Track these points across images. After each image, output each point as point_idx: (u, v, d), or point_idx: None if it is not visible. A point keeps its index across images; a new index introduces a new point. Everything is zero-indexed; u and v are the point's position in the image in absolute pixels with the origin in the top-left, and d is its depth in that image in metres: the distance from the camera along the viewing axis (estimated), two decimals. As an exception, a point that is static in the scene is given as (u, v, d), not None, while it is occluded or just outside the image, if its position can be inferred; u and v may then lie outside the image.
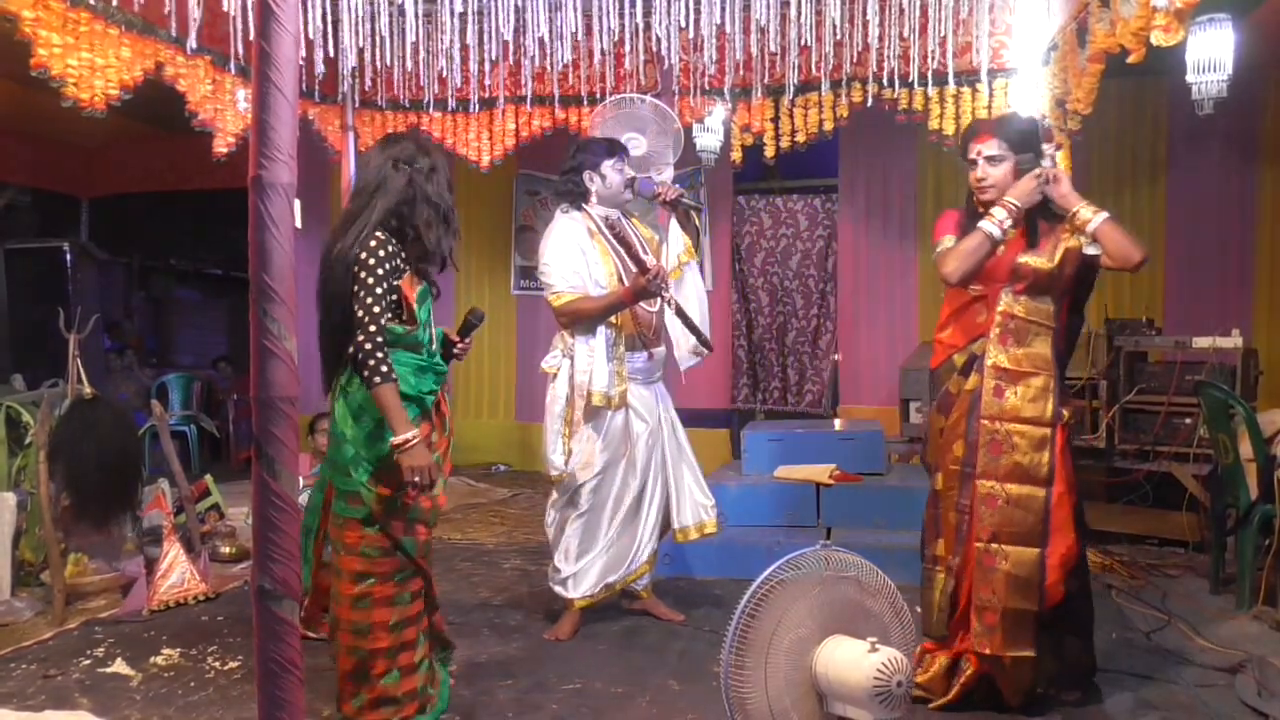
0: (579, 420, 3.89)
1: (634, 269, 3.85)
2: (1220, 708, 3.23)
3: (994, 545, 3.05)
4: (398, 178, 2.85)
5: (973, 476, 3.11)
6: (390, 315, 2.79)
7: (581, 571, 3.93)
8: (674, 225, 4.16)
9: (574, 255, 3.86)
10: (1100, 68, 4.23)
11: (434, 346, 2.97)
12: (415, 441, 2.71)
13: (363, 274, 2.72)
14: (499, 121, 6.24)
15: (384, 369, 2.68)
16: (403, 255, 2.83)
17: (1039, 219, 3.14)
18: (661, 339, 4.09)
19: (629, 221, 4.08)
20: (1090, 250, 3.02)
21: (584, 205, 3.98)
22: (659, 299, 3.93)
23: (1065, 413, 3.08)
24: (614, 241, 3.90)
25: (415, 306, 2.86)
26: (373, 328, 2.69)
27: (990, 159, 3.12)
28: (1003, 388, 3.07)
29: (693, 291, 4.18)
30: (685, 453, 4.15)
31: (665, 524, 4.13)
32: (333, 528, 2.88)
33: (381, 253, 2.75)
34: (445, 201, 2.92)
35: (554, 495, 4.03)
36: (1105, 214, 3.03)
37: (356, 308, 2.71)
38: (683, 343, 4.16)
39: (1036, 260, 3.09)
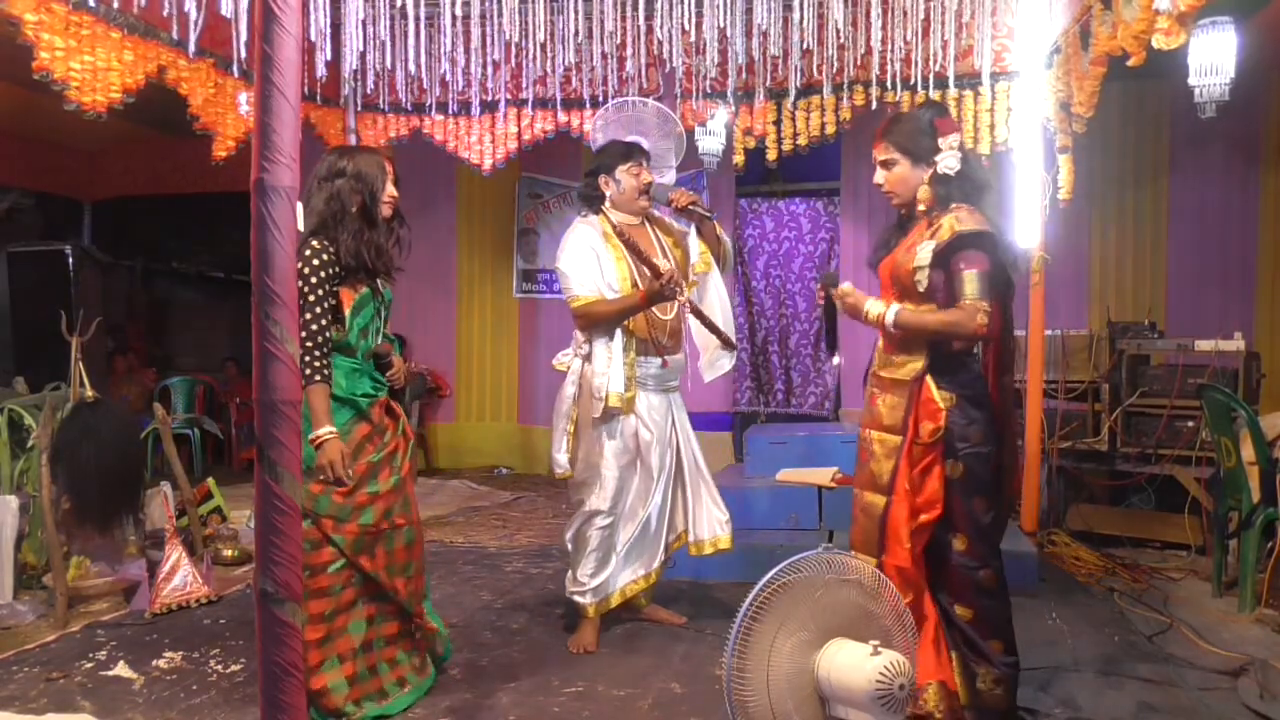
0: (588, 421, 3.86)
1: (648, 273, 3.85)
2: (1223, 711, 3.22)
3: (855, 553, 2.93)
4: (319, 196, 3.05)
5: None
6: (331, 320, 2.99)
7: (603, 583, 3.89)
8: (693, 234, 4.12)
9: (589, 259, 3.82)
10: (1103, 71, 4.23)
11: (372, 351, 3.15)
12: (327, 439, 2.91)
13: (298, 281, 2.89)
14: (501, 124, 6.24)
15: (316, 369, 2.91)
16: (339, 261, 3.00)
17: (919, 220, 2.99)
18: (679, 346, 4.04)
19: (652, 225, 4.03)
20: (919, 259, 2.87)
21: (602, 209, 3.95)
22: (675, 304, 3.90)
23: (927, 426, 2.85)
24: (626, 246, 3.89)
25: (349, 313, 3.03)
26: (306, 331, 2.90)
27: (884, 163, 3.00)
28: (877, 396, 3.02)
29: (715, 301, 4.12)
30: (701, 466, 4.11)
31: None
32: None
33: (316, 261, 2.95)
34: (370, 205, 3.08)
35: (576, 515, 3.94)
36: (896, 307, 2.90)
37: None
38: (704, 354, 4.15)
39: (904, 259, 2.94)
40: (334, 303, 3.00)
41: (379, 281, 3.17)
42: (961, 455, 2.87)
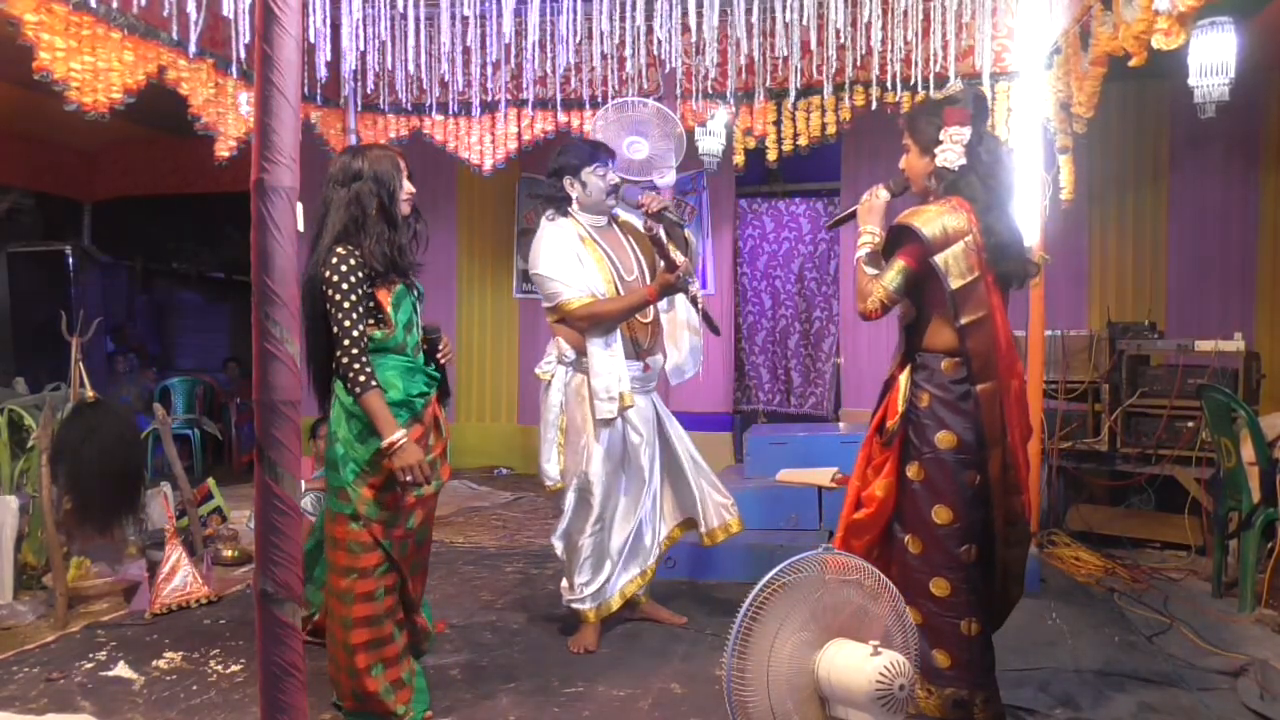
0: (577, 429, 3.81)
1: (632, 271, 3.83)
2: (1223, 711, 3.23)
3: None
4: (337, 200, 2.98)
5: None
6: (371, 322, 2.93)
7: (599, 588, 3.86)
8: (661, 235, 4.06)
9: (572, 261, 3.74)
10: (1102, 71, 4.23)
11: (418, 349, 3.10)
12: (403, 441, 2.85)
13: (330, 290, 2.86)
14: (501, 125, 6.24)
15: (364, 378, 2.83)
16: (367, 265, 2.93)
17: None
18: (658, 347, 4.00)
19: (619, 226, 3.97)
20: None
21: (569, 211, 3.86)
22: (654, 308, 3.87)
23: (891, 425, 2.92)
24: (605, 246, 3.84)
25: (391, 311, 2.98)
26: (348, 340, 2.84)
27: (904, 147, 3.01)
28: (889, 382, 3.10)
29: (681, 303, 4.06)
30: (697, 458, 4.09)
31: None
32: (325, 522, 3.03)
33: (344, 267, 2.88)
34: (389, 205, 3.03)
35: (562, 519, 3.90)
36: (863, 251, 2.92)
37: (333, 324, 2.86)
38: (675, 356, 4.12)
39: None
40: (371, 305, 2.93)
41: (409, 277, 3.11)
42: (924, 459, 2.84)
